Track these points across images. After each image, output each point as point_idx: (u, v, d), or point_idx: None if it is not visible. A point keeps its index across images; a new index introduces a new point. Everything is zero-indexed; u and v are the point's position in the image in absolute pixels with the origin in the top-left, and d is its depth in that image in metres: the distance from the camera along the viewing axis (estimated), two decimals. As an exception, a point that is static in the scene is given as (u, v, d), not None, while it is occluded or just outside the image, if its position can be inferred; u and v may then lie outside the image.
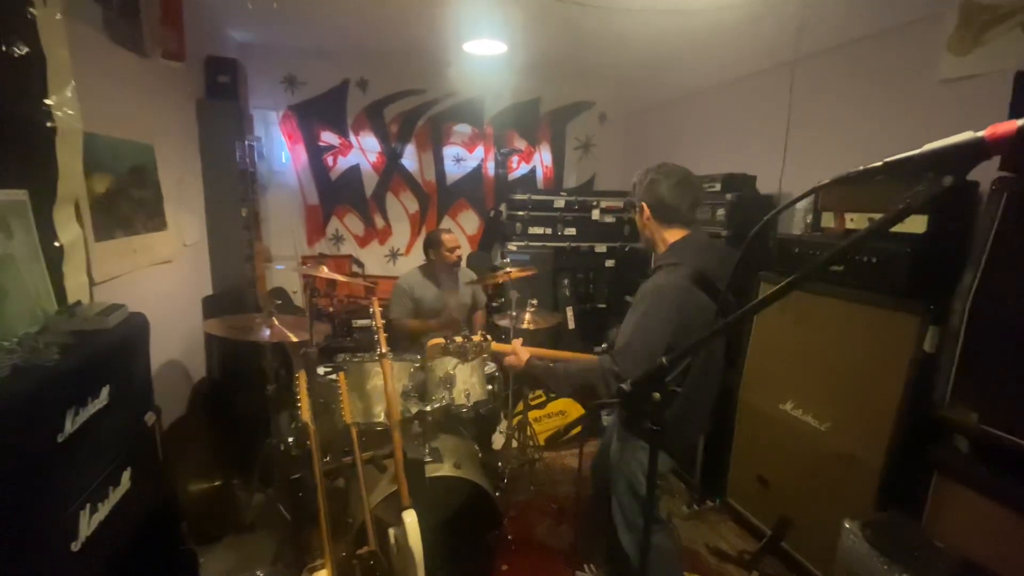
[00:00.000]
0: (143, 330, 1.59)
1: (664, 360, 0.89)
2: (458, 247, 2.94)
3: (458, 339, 1.67)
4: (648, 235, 1.61)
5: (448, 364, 2.09)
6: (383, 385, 1.80)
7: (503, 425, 3.08)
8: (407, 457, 1.66)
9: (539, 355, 1.73)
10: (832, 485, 2.02)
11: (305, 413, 1.57)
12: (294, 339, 2.12)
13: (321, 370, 2.41)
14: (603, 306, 4.18)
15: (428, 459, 1.96)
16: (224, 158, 2.97)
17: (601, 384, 1.44)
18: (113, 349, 1.41)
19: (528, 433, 2.89)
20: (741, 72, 3.06)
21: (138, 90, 2.21)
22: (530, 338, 2.78)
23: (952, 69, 2.01)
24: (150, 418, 1.61)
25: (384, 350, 1.73)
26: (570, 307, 3.99)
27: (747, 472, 2.46)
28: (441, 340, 1.66)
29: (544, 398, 3.50)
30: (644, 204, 1.56)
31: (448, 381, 2.06)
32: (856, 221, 2.08)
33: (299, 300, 3.90)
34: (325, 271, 1.97)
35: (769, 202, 2.73)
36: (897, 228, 1.92)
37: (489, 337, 1.75)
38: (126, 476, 1.42)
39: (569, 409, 3.47)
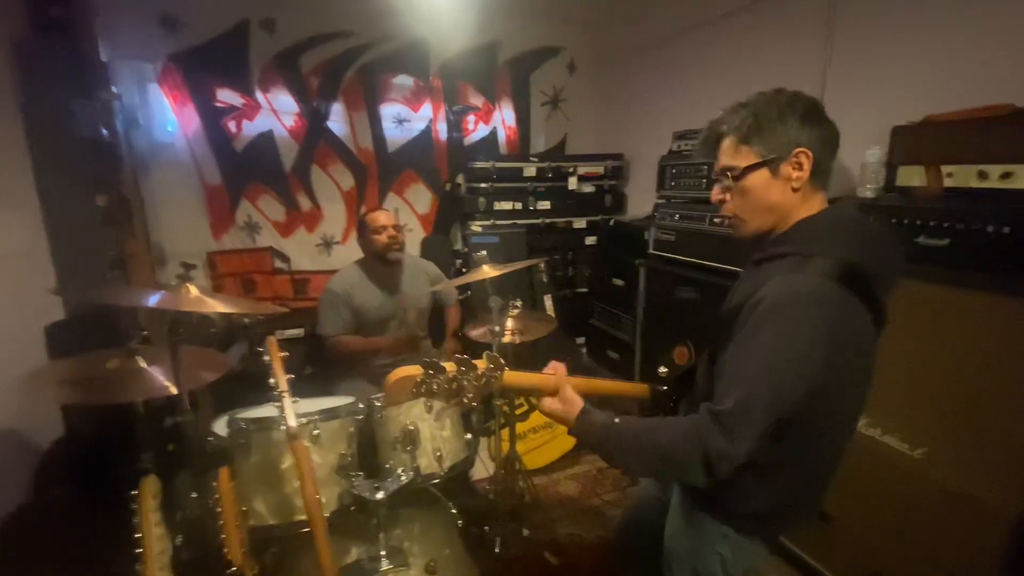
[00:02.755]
0: None
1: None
2: (391, 225, 2.21)
3: (448, 366, 0.92)
4: (773, 203, 0.93)
5: (406, 415, 1.41)
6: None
7: (488, 445, 2.48)
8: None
9: (583, 390, 1.07)
10: (934, 531, 1.52)
11: (151, 568, 0.86)
12: (173, 390, 1.38)
13: (221, 425, 1.67)
14: (585, 290, 3.59)
15: (386, 566, 1.30)
16: (60, 122, 2.08)
17: (699, 468, 0.84)
18: None
19: (518, 467, 2.27)
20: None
21: None
22: (517, 357, 2.13)
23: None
24: None
25: (293, 424, 1.02)
26: (548, 295, 3.36)
27: (798, 502, 1.95)
28: (414, 371, 0.90)
29: (527, 407, 2.89)
30: (807, 151, 0.89)
31: (408, 441, 1.38)
32: (957, 176, 1.52)
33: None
34: (194, 291, 1.22)
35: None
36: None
37: (503, 362, 0.98)
38: None
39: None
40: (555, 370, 1.08)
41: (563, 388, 1.01)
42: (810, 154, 0.89)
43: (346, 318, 2.20)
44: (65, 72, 2.11)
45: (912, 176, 1.63)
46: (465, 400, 0.94)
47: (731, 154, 0.95)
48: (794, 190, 0.92)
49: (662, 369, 1.13)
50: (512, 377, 0.99)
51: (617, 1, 3.29)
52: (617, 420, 0.95)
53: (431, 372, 0.90)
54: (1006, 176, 1.42)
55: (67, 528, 1.80)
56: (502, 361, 0.97)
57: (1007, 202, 1.37)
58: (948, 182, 1.53)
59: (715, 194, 1.00)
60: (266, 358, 1.07)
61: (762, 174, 0.92)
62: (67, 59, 2.14)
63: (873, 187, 1.73)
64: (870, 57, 1.96)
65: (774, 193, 0.93)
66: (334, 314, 2.19)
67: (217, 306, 1.16)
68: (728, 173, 0.96)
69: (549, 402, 1.01)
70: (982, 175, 1.47)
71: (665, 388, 1.13)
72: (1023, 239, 1.31)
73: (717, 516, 1.03)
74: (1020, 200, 1.37)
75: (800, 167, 0.90)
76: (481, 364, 0.95)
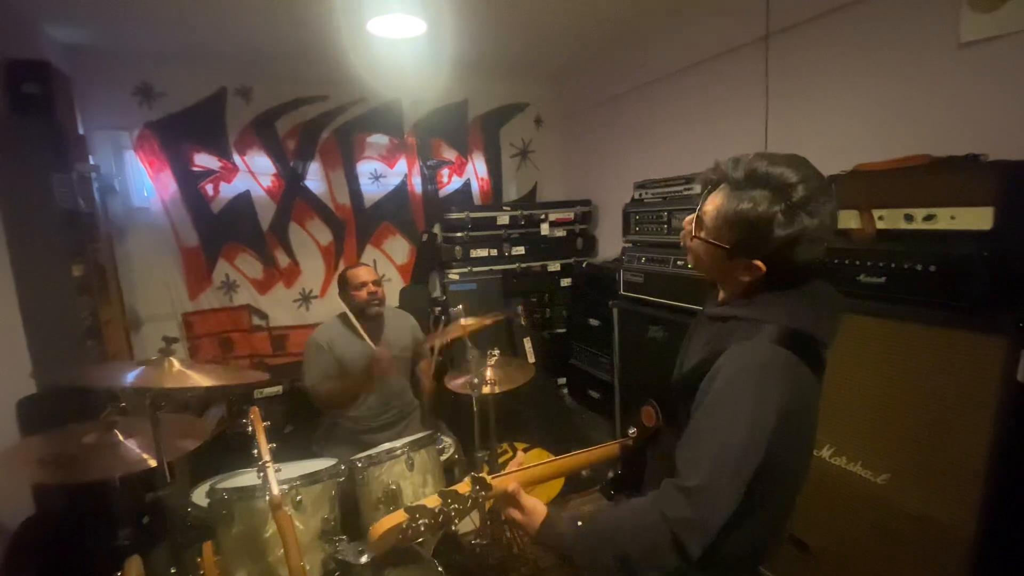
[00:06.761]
0: None
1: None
2: (371, 280, 2.27)
3: (430, 502, 0.88)
4: (710, 265, 0.96)
5: (388, 475, 1.43)
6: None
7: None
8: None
9: (557, 470, 1.06)
10: (901, 554, 1.58)
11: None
12: (152, 463, 1.38)
13: (199, 494, 1.66)
14: (563, 331, 3.67)
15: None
16: (37, 197, 2.11)
17: (669, 553, 0.81)
18: None
19: (503, 518, 2.27)
20: (703, 54, 2.64)
21: None
22: (498, 406, 2.15)
23: (975, 30, 1.67)
24: None
25: (276, 492, 1.05)
26: (527, 337, 3.43)
27: (777, 533, 1.99)
28: (398, 518, 0.87)
29: (511, 453, 2.90)
30: (760, 264, 0.88)
31: (391, 500, 1.41)
32: (888, 219, 1.67)
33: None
34: (176, 365, 1.25)
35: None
36: (952, 225, 1.52)
37: (486, 476, 0.92)
38: None
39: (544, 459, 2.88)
40: (519, 463, 1.04)
41: (518, 496, 0.95)
42: (763, 268, 0.88)
43: (329, 368, 2.22)
44: (42, 147, 2.16)
45: (849, 219, 1.77)
46: (454, 526, 0.90)
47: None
48: (735, 274, 0.92)
49: (631, 431, 1.18)
50: (499, 482, 0.94)
51: (577, 61, 3.52)
52: (580, 524, 0.91)
53: (416, 516, 0.86)
54: (929, 218, 1.57)
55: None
56: (488, 480, 0.92)
57: (932, 242, 1.51)
58: (880, 224, 1.68)
59: (687, 221, 0.99)
60: (250, 429, 1.10)
61: (708, 238, 0.93)
62: (44, 134, 2.19)
63: (816, 230, 1.87)
64: (803, 114, 2.17)
65: (716, 260, 0.94)
66: (316, 364, 2.21)
67: (202, 380, 1.19)
68: (702, 218, 0.93)
69: (514, 513, 0.96)
70: (908, 218, 1.61)
71: (636, 444, 1.18)
72: (947, 276, 1.45)
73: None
74: (942, 240, 1.51)
75: (748, 273, 0.90)
76: (464, 488, 0.92)
